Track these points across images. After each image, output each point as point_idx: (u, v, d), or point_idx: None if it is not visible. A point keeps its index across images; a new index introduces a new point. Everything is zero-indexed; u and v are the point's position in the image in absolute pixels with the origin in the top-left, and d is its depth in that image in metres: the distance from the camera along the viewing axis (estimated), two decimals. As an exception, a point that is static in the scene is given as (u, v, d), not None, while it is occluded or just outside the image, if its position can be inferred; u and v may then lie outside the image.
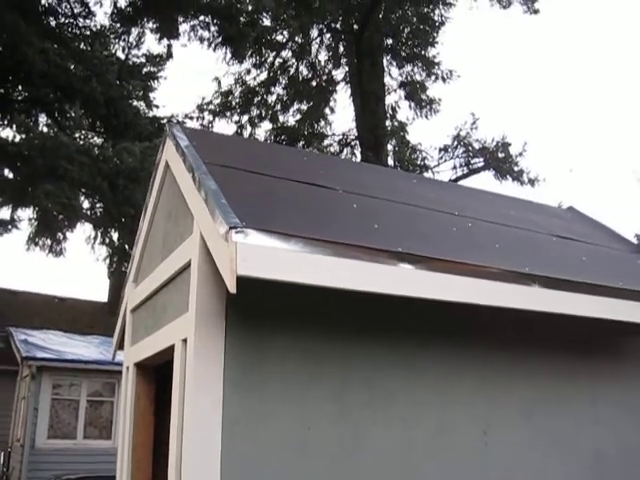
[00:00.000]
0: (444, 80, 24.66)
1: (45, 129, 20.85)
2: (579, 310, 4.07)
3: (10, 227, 24.90)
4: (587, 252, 5.19)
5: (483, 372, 4.17)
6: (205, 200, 3.44)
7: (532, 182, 22.99)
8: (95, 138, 22.35)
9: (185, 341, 3.56)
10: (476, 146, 23.28)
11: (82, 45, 22.31)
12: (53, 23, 22.32)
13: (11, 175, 20.97)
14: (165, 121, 22.45)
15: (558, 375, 4.50)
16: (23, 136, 19.77)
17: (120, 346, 5.82)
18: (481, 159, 23.27)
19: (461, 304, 3.59)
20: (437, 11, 24.43)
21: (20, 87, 22.46)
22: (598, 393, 4.66)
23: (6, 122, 22.78)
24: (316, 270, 3.10)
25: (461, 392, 4.07)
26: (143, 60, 24.13)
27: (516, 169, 22.93)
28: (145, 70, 24.10)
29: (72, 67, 20.79)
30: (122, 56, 23.56)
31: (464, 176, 23.39)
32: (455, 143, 23.42)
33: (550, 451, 4.35)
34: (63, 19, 22.54)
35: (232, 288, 2.86)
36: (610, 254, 5.46)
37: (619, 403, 4.75)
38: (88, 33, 22.65)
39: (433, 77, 24.78)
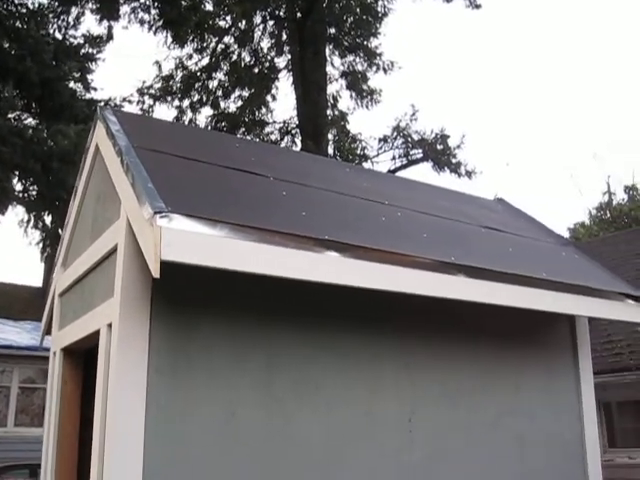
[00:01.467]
0: (385, 71, 24.86)
1: (-23, 109, 20.21)
2: (503, 300, 4.18)
3: (-60, 209, 24.23)
4: (514, 243, 5.31)
5: (407, 359, 4.24)
6: (132, 184, 3.41)
7: (469, 174, 23.40)
8: (29, 119, 21.78)
9: (110, 326, 3.53)
10: (415, 137, 23.60)
11: (17, 23, 21.67)
12: (-13, 0, 21.65)
13: (-59, 156, 20.34)
14: (102, 104, 22.01)
15: (483, 363, 4.62)
16: (-47, 116, 19.14)
17: (48, 331, 5.73)
18: (420, 150, 23.56)
19: (386, 292, 3.65)
20: (380, 2, 24.57)
21: (-49, 65, 21.75)
22: (521, 380, 4.80)
23: (-64, 101, 22.07)
24: (241, 256, 3.11)
25: (386, 378, 4.14)
26: (81, 41, 23.53)
27: (454, 161, 23.30)
28: (83, 51, 23.53)
29: (6, 46, 20.20)
30: (59, 36, 22.99)
31: (403, 167, 23.66)
32: (395, 134, 23.68)
33: (473, 437, 4.46)
34: (-2, -4, 21.89)
35: (156, 273, 2.85)
36: (537, 246, 5.60)
37: (541, 390, 4.90)
38: (24, 11, 22.03)
39: (374, 68, 24.97)
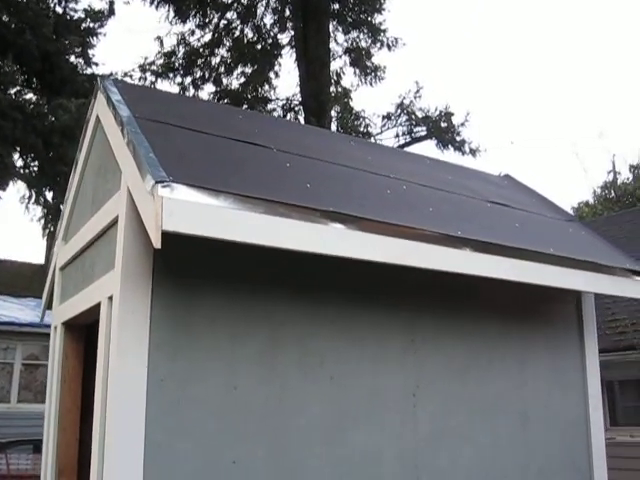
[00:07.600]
0: (389, 48, 24.53)
1: (-23, 83, 20.09)
2: (509, 274, 4.12)
3: (-59, 185, 24.13)
4: (520, 219, 5.25)
5: (413, 334, 4.19)
6: (133, 155, 3.33)
7: (473, 152, 23.20)
8: (30, 94, 21.61)
9: (111, 299, 3.47)
10: (419, 115, 23.40)
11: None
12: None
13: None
14: (104, 79, 21.82)
15: (488, 338, 4.57)
16: (-47, 90, 19.04)
17: (49, 306, 5.69)
18: (424, 128, 23.38)
19: (392, 265, 3.59)
20: (385, -23, 24.22)
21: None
22: (527, 357, 4.75)
23: None
24: (244, 227, 3.05)
25: (391, 353, 4.09)
26: (82, 15, 23.33)
27: (458, 139, 23.10)
28: (84, 26, 23.31)
29: (6, 19, 20.01)
30: (59, 10, 22.75)
31: (407, 144, 23.49)
32: (398, 111, 23.49)
33: (478, 413, 4.42)
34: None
35: (157, 243, 2.78)
36: (543, 221, 5.54)
37: (546, 367, 4.86)
38: (23, -17, 21.80)
39: (379, 44, 24.63)
